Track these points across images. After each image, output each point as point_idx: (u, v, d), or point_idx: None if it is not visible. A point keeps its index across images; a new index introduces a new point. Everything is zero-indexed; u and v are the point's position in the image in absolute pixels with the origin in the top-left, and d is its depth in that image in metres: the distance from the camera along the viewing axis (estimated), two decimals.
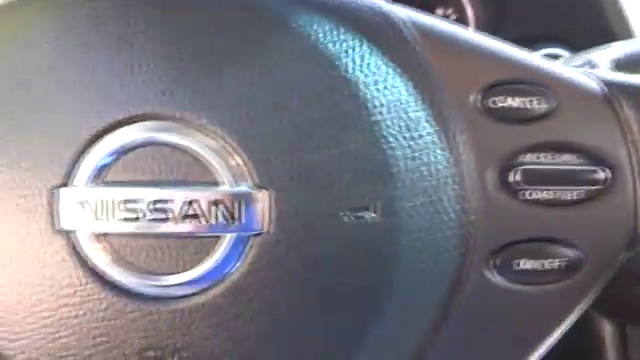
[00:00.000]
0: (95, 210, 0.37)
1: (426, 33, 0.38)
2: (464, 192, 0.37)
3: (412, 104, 0.37)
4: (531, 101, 0.38)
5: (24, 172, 0.37)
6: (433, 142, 0.37)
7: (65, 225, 0.37)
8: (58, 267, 0.37)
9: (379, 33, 0.37)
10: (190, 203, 0.36)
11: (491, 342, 0.39)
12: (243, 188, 0.37)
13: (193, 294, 0.37)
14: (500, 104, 0.38)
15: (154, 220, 0.36)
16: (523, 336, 0.39)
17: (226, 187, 0.37)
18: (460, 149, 0.37)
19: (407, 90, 0.37)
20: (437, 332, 0.38)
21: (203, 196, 0.36)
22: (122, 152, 0.37)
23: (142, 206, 0.36)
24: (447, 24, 0.39)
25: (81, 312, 0.37)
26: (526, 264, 0.38)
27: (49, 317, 0.37)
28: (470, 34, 0.39)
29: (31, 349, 0.38)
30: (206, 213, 0.36)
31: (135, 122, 0.37)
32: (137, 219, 0.36)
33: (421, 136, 0.37)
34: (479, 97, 0.38)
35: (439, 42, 0.38)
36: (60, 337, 0.37)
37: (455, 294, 0.38)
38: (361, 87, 0.37)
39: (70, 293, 0.37)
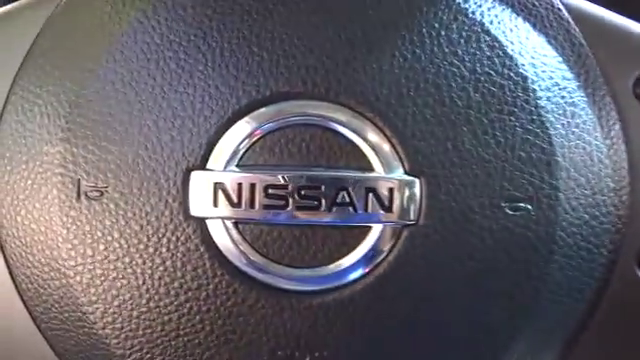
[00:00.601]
0: (232, 196, 0.34)
1: (579, 16, 0.36)
2: (618, 184, 0.35)
3: (571, 89, 0.35)
4: None
5: (156, 152, 0.33)
6: (593, 130, 0.35)
7: (198, 211, 0.34)
8: (188, 256, 0.34)
9: (539, 13, 0.35)
10: (340, 190, 0.33)
11: (633, 345, 0.37)
12: (396, 175, 0.34)
13: (334, 289, 0.34)
14: None
15: (301, 208, 0.33)
16: None
17: (378, 174, 0.34)
18: (614, 138, 0.35)
19: (566, 74, 0.35)
20: (582, 332, 0.36)
21: (355, 183, 0.33)
22: (264, 133, 0.34)
23: (287, 193, 0.33)
24: (596, 7, 0.37)
25: (211, 306, 0.34)
26: None
27: (174, 312, 0.34)
28: (620, 18, 0.37)
29: (146, 348, 0.34)
30: (357, 202, 0.33)
31: (279, 101, 0.34)
32: (282, 207, 0.33)
33: (580, 123, 0.35)
34: (632, 85, 0.36)
35: (592, 26, 0.36)
36: (182, 334, 0.34)
37: (603, 293, 0.36)
38: (524, 68, 0.34)
39: (199, 285, 0.34)
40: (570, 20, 0.36)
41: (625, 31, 0.37)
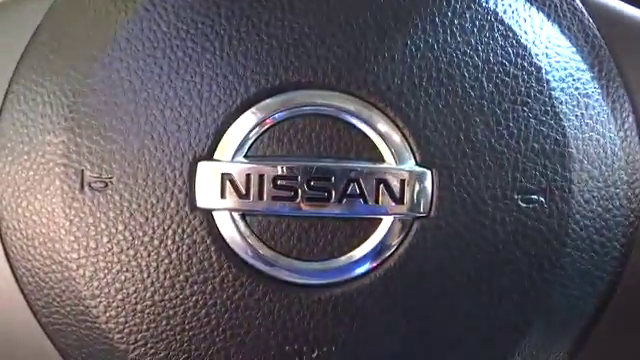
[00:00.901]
0: (240, 187, 0.33)
1: (593, 7, 0.35)
2: (631, 177, 0.35)
3: (585, 80, 0.35)
4: None
5: (162, 142, 0.33)
6: (606, 122, 0.35)
7: (205, 203, 0.33)
8: (194, 249, 0.33)
9: (552, 3, 0.35)
10: (351, 181, 0.33)
11: None
12: (407, 166, 0.33)
13: (343, 282, 0.33)
14: None
15: (310, 200, 0.33)
16: None
17: (389, 165, 0.33)
18: (628, 130, 0.35)
19: (580, 65, 0.35)
20: (594, 326, 0.35)
21: (365, 174, 0.33)
22: (273, 123, 0.33)
23: (297, 184, 0.33)
24: None
25: (217, 300, 0.33)
26: None
27: (179, 306, 0.33)
28: (634, 9, 0.36)
29: (150, 342, 0.34)
30: (367, 193, 0.33)
31: (289, 91, 0.33)
32: (291, 198, 0.33)
33: (594, 115, 0.34)
34: None
35: (606, 17, 0.36)
36: (187, 329, 0.33)
37: (615, 286, 0.35)
38: (538, 58, 0.34)
39: (205, 278, 0.33)
40: (584, 11, 0.35)
41: (639, 22, 0.36)
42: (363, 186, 0.33)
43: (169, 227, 0.33)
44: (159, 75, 0.33)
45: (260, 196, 0.33)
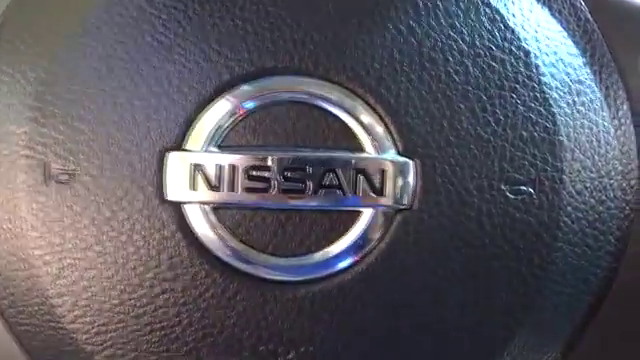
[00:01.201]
0: (212, 178, 0.31)
1: None
2: (626, 167, 0.33)
3: (576, 65, 0.33)
4: None
5: (130, 132, 0.31)
6: (599, 109, 0.33)
7: (174, 195, 0.31)
8: (163, 244, 0.31)
9: None
10: (328, 172, 0.31)
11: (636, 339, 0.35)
12: (389, 156, 0.31)
13: (322, 279, 0.32)
14: None
15: (286, 191, 0.31)
16: None
17: (369, 155, 0.31)
18: (622, 119, 0.33)
19: (571, 50, 0.33)
20: (587, 325, 0.34)
21: (344, 164, 0.31)
22: (247, 112, 0.31)
23: (272, 174, 0.31)
24: None
25: (188, 298, 0.32)
26: None
27: (148, 304, 0.32)
28: None
29: (119, 343, 0.32)
30: (346, 184, 0.31)
31: (264, 77, 0.31)
32: (265, 190, 0.31)
33: (586, 102, 0.33)
34: None
35: (598, 0, 0.34)
36: (157, 329, 0.32)
37: (610, 283, 0.33)
38: (526, 42, 0.32)
39: (176, 276, 0.31)
40: None
41: (632, 6, 0.34)
42: (341, 177, 0.31)
43: (137, 221, 0.31)
44: (128, 62, 0.31)
45: (232, 188, 0.31)
